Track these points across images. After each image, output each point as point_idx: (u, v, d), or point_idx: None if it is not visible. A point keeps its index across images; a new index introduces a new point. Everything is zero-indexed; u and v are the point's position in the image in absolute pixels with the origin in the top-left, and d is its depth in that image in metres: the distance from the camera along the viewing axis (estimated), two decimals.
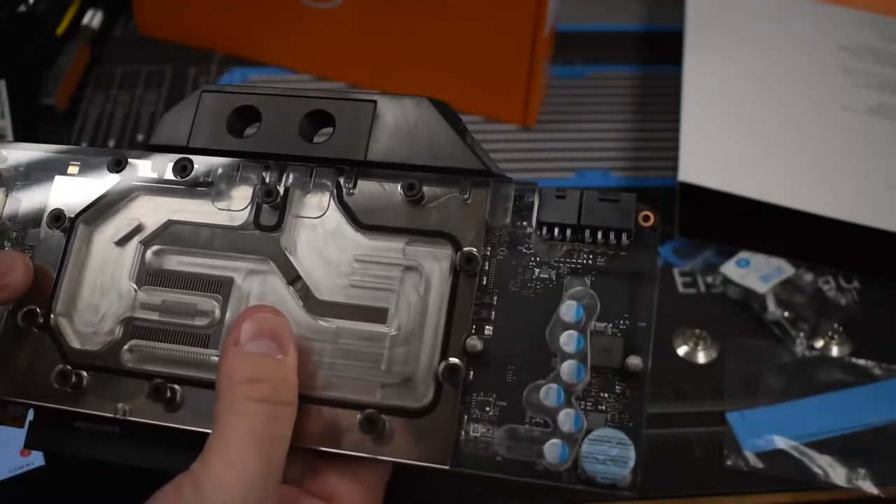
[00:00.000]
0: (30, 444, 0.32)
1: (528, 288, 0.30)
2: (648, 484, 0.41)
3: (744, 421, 0.43)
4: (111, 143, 0.55)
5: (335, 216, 0.31)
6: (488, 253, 0.30)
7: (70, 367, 0.31)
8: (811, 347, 0.46)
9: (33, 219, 0.33)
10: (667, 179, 0.54)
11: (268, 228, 0.31)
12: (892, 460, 0.41)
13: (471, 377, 0.29)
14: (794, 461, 0.41)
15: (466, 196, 0.31)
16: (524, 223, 0.30)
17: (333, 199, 0.31)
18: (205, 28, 0.60)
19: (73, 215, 0.32)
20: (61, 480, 0.40)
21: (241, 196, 0.32)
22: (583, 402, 0.28)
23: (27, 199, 0.33)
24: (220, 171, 0.32)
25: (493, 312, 0.29)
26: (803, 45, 0.57)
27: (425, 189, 0.31)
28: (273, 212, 0.32)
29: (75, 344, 0.31)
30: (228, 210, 0.32)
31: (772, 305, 0.47)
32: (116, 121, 0.56)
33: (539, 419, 0.28)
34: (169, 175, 0.32)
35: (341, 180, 0.32)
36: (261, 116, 0.33)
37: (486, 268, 0.30)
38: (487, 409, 0.28)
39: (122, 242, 0.32)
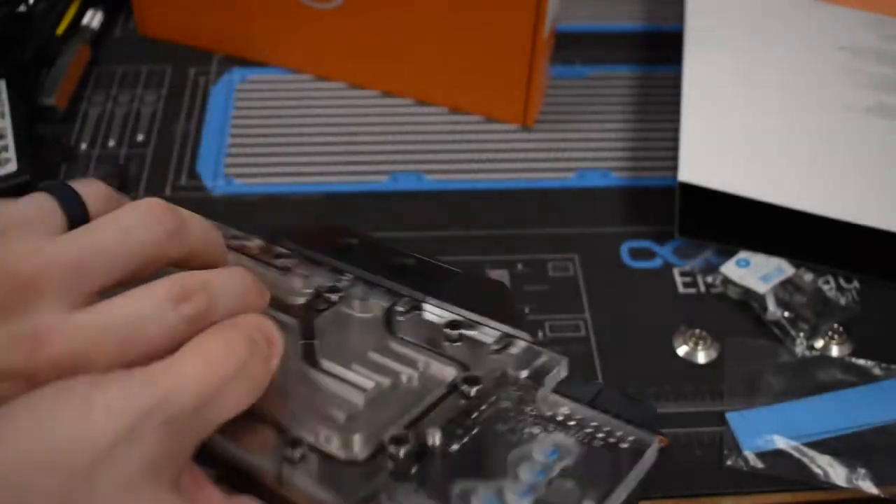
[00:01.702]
0: None
1: (514, 433, 0.30)
2: (648, 484, 0.42)
3: (744, 421, 0.43)
4: (111, 144, 0.55)
5: (376, 319, 0.35)
6: (493, 399, 0.31)
7: None
8: (811, 347, 0.46)
9: None
10: (667, 179, 0.54)
11: (313, 307, 0.35)
12: (892, 460, 0.41)
13: (413, 470, 0.28)
14: (794, 461, 0.41)
15: (498, 347, 0.33)
16: (538, 386, 0.32)
17: (383, 309, 0.35)
18: (205, 28, 0.60)
19: None
20: None
21: (308, 284, 0.36)
22: None
23: None
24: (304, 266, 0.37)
25: (467, 438, 0.30)
26: (804, 45, 0.57)
27: (463, 331, 0.34)
28: (327, 302, 0.35)
29: None
30: (293, 287, 0.36)
31: (772, 305, 0.47)
32: (116, 121, 0.56)
33: None
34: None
35: (400, 303, 0.35)
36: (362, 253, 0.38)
37: (484, 408, 0.31)
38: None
39: None
